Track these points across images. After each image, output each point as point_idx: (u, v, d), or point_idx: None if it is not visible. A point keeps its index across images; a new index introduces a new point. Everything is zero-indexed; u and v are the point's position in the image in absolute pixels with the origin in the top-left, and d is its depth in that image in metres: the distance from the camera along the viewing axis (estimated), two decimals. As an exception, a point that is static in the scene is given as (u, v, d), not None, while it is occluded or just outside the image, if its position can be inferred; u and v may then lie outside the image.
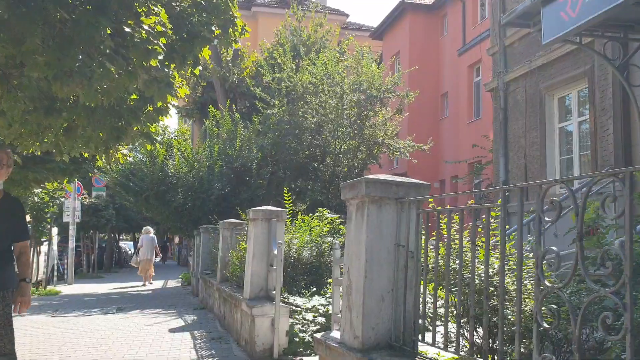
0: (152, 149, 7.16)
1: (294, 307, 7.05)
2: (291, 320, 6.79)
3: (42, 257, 16.84)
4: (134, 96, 5.77)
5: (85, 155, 6.76)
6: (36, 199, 15.22)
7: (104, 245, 31.25)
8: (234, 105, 16.70)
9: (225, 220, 10.53)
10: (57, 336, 8.67)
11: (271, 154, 16.07)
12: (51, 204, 15.70)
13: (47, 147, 6.18)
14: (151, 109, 5.90)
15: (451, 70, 23.86)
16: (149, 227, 20.76)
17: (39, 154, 6.70)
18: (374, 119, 16.38)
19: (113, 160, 6.41)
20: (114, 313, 11.41)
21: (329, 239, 8.67)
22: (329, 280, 8.56)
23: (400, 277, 3.88)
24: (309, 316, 6.93)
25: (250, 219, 7.32)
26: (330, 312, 7.10)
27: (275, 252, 6.73)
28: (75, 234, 24.38)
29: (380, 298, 3.84)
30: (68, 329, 9.31)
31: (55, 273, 20.02)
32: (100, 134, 5.49)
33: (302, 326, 6.82)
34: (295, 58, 17.49)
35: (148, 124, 6.21)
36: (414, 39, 25.58)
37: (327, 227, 8.68)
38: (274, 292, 6.87)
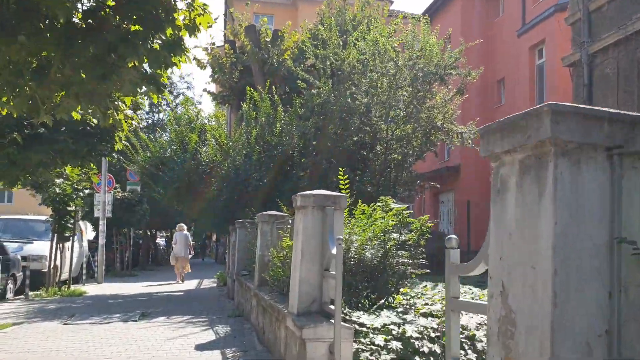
0: (157, 97, 5.29)
1: (357, 327, 5.12)
2: (355, 345, 4.86)
3: (66, 254, 15.25)
4: (135, 27, 3.92)
5: (76, 117, 4.94)
6: (57, 190, 13.67)
7: (140, 242, 29.80)
8: (273, 87, 14.79)
9: (264, 212, 8.67)
10: (59, 352, 6.93)
11: (314, 140, 14.16)
12: (74, 196, 14.11)
13: (20, 105, 4.38)
14: (157, 47, 4.04)
15: (509, 53, 21.54)
16: (182, 224, 20.00)
17: (15, 116, 4.92)
18: (430, 101, 14.29)
19: (111, 121, 4.56)
20: (135, 320, 9.67)
21: (395, 235, 6.74)
22: (403, 290, 6.64)
23: (623, 304, 1.89)
24: (379, 340, 4.99)
25: (298, 207, 5.41)
26: (407, 333, 5.16)
27: (334, 251, 4.81)
28: (109, 230, 22.99)
29: (584, 347, 1.86)
30: (75, 342, 7.57)
31: (85, 271, 18.58)
32: (82, 75, 3.66)
33: (371, 354, 4.87)
34: (341, 34, 15.53)
35: (159, 71, 4.36)
36: (467, 22, 23.35)
37: (393, 221, 6.76)
38: (332, 306, 4.97)
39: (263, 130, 13.70)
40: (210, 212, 14.07)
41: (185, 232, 19.57)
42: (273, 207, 10.36)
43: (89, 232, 24.60)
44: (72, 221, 14.48)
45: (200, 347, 7.20)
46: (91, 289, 15.96)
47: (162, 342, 7.51)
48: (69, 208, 14.19)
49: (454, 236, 2.84)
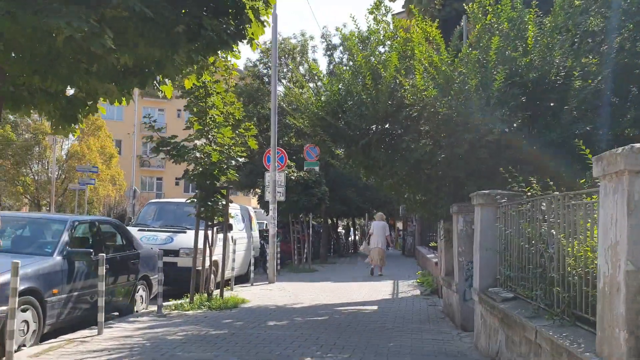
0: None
1: None
2: None
3: (217, 248, 10.79)
4: None
5: None
6: (198, 154, 9.20)
7: (320, 231, 25.40)
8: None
9: (629, 147, 2.89)
10: None
11: (589, 56, 7.93)
12: (224, 166, 9.56)
13: None
14: None
15: None
16: (381, 213, 18.36)
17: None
18: None
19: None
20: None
21: None
22: None
23: None
24: None
25: None
26: None
27: None
28: (284, 216, 18.84)
29: None
30: None
31: (253, 268, 14.39)
32: None
33: None
34: None
35: None
36: None
37: None
38: None
39: (506, 44, 7.83)
40: (418, 182, 8.49)
41: (384, 222, 17.53)
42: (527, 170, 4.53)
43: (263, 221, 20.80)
44: (223, 202, 9.97)
45: None
46: (255, 294, 11.47)
47: None
48: (217, 183, 9.72)
49: None
